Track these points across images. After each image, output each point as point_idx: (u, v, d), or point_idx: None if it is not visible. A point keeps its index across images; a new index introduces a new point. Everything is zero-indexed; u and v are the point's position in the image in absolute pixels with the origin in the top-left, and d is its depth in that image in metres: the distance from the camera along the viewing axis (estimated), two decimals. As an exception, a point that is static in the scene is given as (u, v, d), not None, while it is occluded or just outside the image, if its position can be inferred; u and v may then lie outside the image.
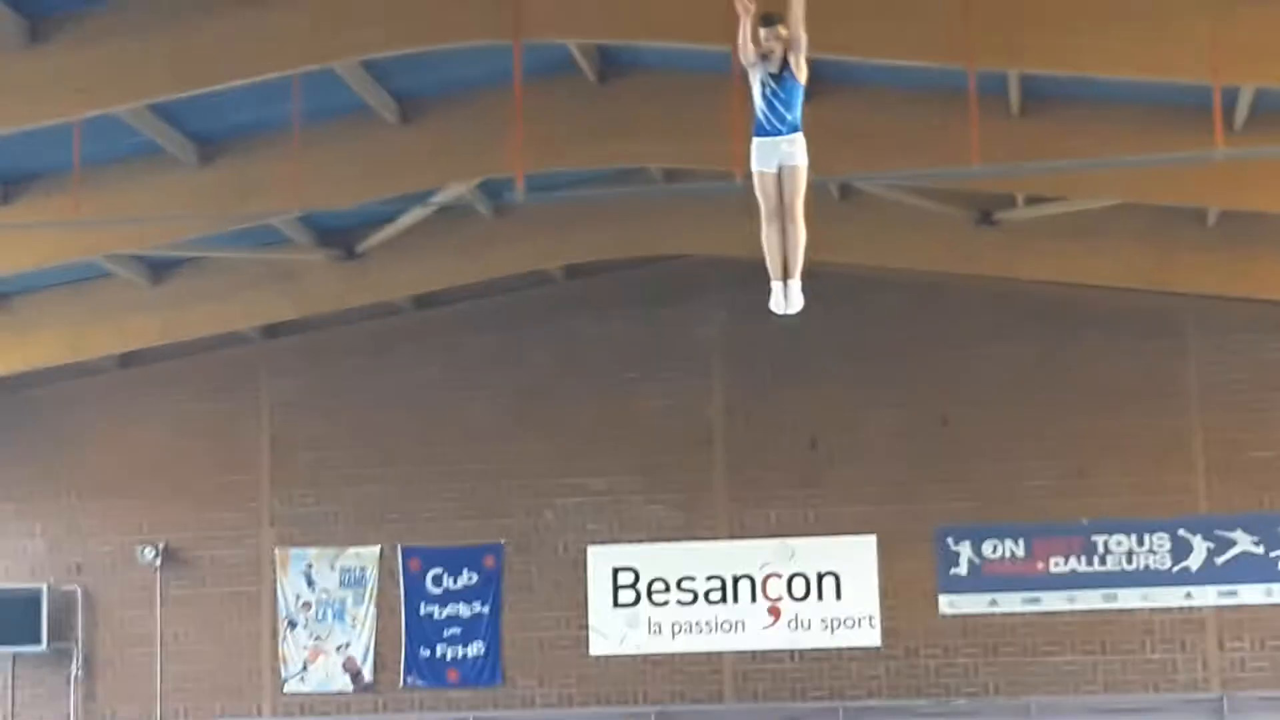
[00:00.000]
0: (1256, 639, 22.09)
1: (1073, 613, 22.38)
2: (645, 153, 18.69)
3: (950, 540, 22.63)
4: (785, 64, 11.05)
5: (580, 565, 23.28)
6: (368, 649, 23.55)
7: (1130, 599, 22.30)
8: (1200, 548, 22.17)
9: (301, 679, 23.57)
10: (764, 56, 11.06)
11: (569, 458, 23.41)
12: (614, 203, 20.74)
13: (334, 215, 20.05)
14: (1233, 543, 22.11)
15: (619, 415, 23.43)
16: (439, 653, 23.44)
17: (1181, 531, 22.21)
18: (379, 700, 23.43)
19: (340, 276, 21.77)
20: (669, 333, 23.48)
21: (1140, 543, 22.29)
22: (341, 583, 23.66)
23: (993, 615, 22.53)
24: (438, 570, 23.54)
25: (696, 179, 19.46)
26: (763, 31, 11.02)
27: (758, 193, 11.20)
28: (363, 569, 23.63)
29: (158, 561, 23.70)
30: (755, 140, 11.16)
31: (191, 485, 23.90)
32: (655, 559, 23.15)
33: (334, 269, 21.68)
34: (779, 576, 22.94)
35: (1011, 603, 22.48)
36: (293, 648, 23.63)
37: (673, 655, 23.04)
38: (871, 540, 22.79)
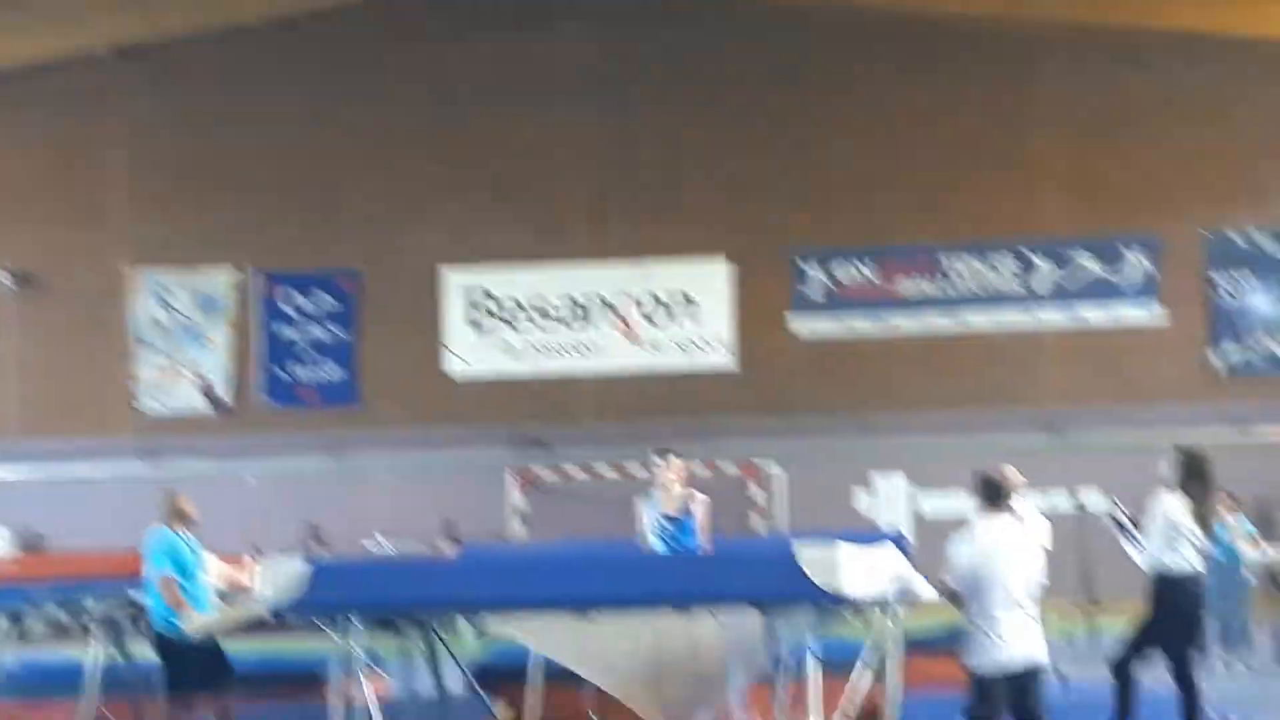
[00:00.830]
0: (1096, 358, 22.51)
1: (921, 334, 22.74)
2: None
3: (801, 261, 22.84)
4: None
5: (437, 289, 23.33)
6: (225, 372, 23.58)
7: (977, 321, 22.67)
8: (1046, 268, 22.55)
9: (158, 401, 23.59)
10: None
11: (428, 181, 23.34)
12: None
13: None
14: (1075, 263, 22.48)
15: (479, 140, 23.37)
16: (297, 376, 23.54)
17: (1025, 250, 22.55)
18: (238, 422, 23.53)
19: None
20: (532, 56, 23.27)
21: (986, 263, 22.61)
22: (198, 306, 23.61)
23: (844, 338, 22.84)
24: (294, 292, 23.54)
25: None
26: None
27: None
28: (220, 293, 23.57)
29: (14, 285, 23.55)
30: None
31: (46, 209, 23.70)
32: (512, 283, 23.24)
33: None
34: (634, 300, 23.08)
35: (862, 325, 22.78)
36: (150, 370, 23.61)
37: (530, 378, 23.24)
38: (724, 264, 22.96)
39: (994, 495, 8.89)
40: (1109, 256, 22.49)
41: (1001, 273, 22.63)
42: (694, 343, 23.02)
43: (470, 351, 23.32)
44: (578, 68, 23.18)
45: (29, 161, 23.76)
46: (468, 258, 23.28)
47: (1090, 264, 22.52)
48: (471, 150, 23.37)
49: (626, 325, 23.10)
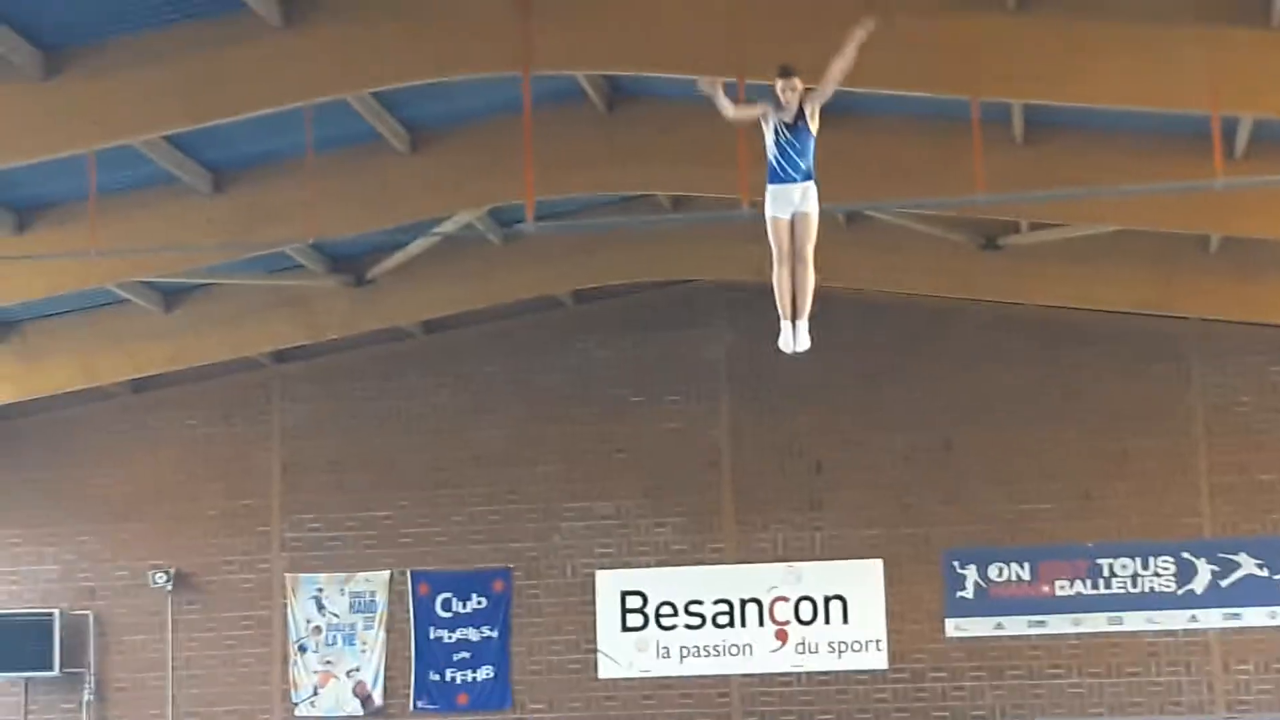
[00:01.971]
0: (1261, 662, 22.21)
1: (1078, 635, 22.50)
2: (652, 180, 18.87)
3: (956, 563, 22.76)
4: (800, 114, 11.28)
5: (588, 589, 23.42)
6: (378, 673, 23.68)
7: (1135, 621, 22.42)
8: (1205, 570, 22.29)
9: (312, 703, 23.71)
10: (779, 106, 11.31)
11: (577, 481, 23.58)
12: (621, 228, 20.91)
13: (345, 242, 20.19)
14: (1237, 565, 22.23)
15: (626, 439, 23.60)
16: (448, 676, 23.56)
17: (1186, 554, 22.33)
18: (390, 724, 23.59)
19: (351, 302, 21.96)
20: (676, 357, 23.65)
21: (1145, 566, 22.42)
22: (351, 607, 23.80)
23: (999, 638, 22.65)
24: (447, 594, 23.69)
25: (703, 206, 19.66)
26: (779, 83, 11.27)
27: (770, 237, 11.45)
28: (372, 593, 23.77)
29: (169, 586, 23.85)
30: (770, 187, 11.42)
31: (203, 510, 24.07)
32: (663, 582, 23.29)
33: (344, 294, 21.88)
34: (786, 600, 23.07)
35: (1017, 625, 22.59)
36: (303, 672, 23.77)
37: (681, 678, 23.18)
38: (878, 564, 22.93)
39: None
40: (1269, 556, 22.20)
41: (1160, 574, 22.39)
42: (847, 643, 22.85)
43: (620, 651, 23.27)
44: (718, 365, 23.45)
45: (188, 463, 24.18)
46: (620, 557, 23.37)
47: (1251, 566, 22.23)
48: (620, 450, 23.56)
49: (778, 625, 22.99)
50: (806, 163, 11.29)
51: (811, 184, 11.32)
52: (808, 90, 11.32)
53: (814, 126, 11.31)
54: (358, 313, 22.16)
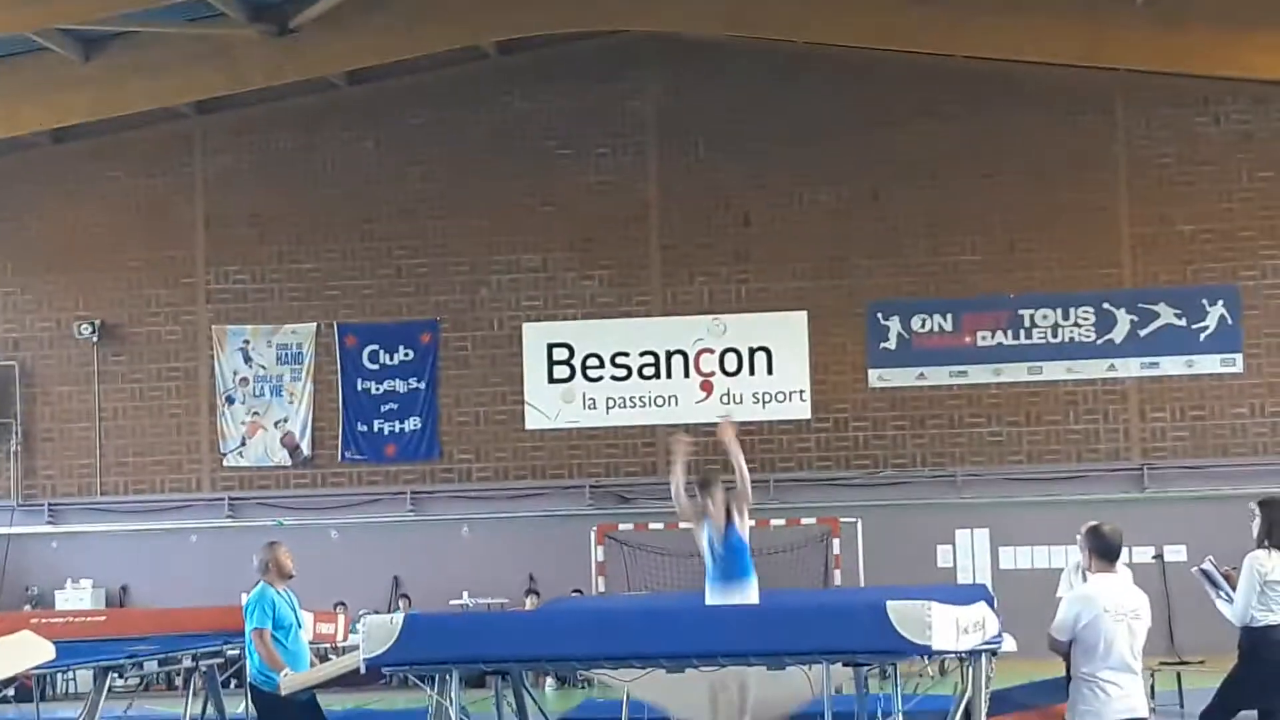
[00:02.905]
0: (1176, 409, 22.55)
1: (999, 385, 22.79)
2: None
3: (880, 315, 22.93)
4: (729, 517, 11.20)
5: (515, 341, 23.52)
6: (305, 424, 23.80)
7: (1055, 371, 22.70)
8: (1124, 320, 22.53)
9: (240, 454, 23.83)
10: (706, 514, 11.23)
11: (504, 234, 23.56)
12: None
13: (267, -10, 19.95)
14: (1156, 315, 22.47)
15: (554, 192, 23.56)
16: (376, 427, 23.71)
17: (1106, 304, 22.56)
18: (318, 474, 23.73)
19: (274, 51, 21.67)
20: (604, 109, 23.55)
21: (1065, 316, 22.64)
22: (278, 359, 23.85)
23: (920, 388, 22.91)
24: (374, 346, 23.75)
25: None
26: (699, 494, 11.19)
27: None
28: (299, 345, 23.81)
29: (95, 338, 23.82)
30: (709, 585, 11.31)
31: (126, 262, 23.99)
32: (589, 334, 23.40)
33: (268, 44, 21.58)
34: (711, 352, 23.23)
35: (939, 375, 22.85)
36: (231, 423, 23.85)
37: (607, 429, 23.40)
38: (802, 316, 23.07)
39: (1108, 551, 8.73)
40: (1188, 307, 22.46)
41: (1080, 324, 22.61)
42: (771, 394, 23.07)
43: (546, 403, 23.44)
44: (648, 118, 23.39)
45: (111, 216, 24.02)
46: (546, 310, 23.45)
47: (1170, 315, 22.47)
48: (548, 203, 23.54)
49: (704, 377, 23.18)
50: (742, 563, 11.23)
51: (749, 582, 11.24)
52: (728, 491, 11.24)
53: (744, 527, 11.24)
54: (281, 63, 21.90)
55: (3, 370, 23.87)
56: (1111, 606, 8.58)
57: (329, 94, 23.68)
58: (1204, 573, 11.10)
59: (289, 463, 23.78)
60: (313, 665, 10.98)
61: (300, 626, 10.94)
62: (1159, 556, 21.59)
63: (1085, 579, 9.06)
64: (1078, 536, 8.97)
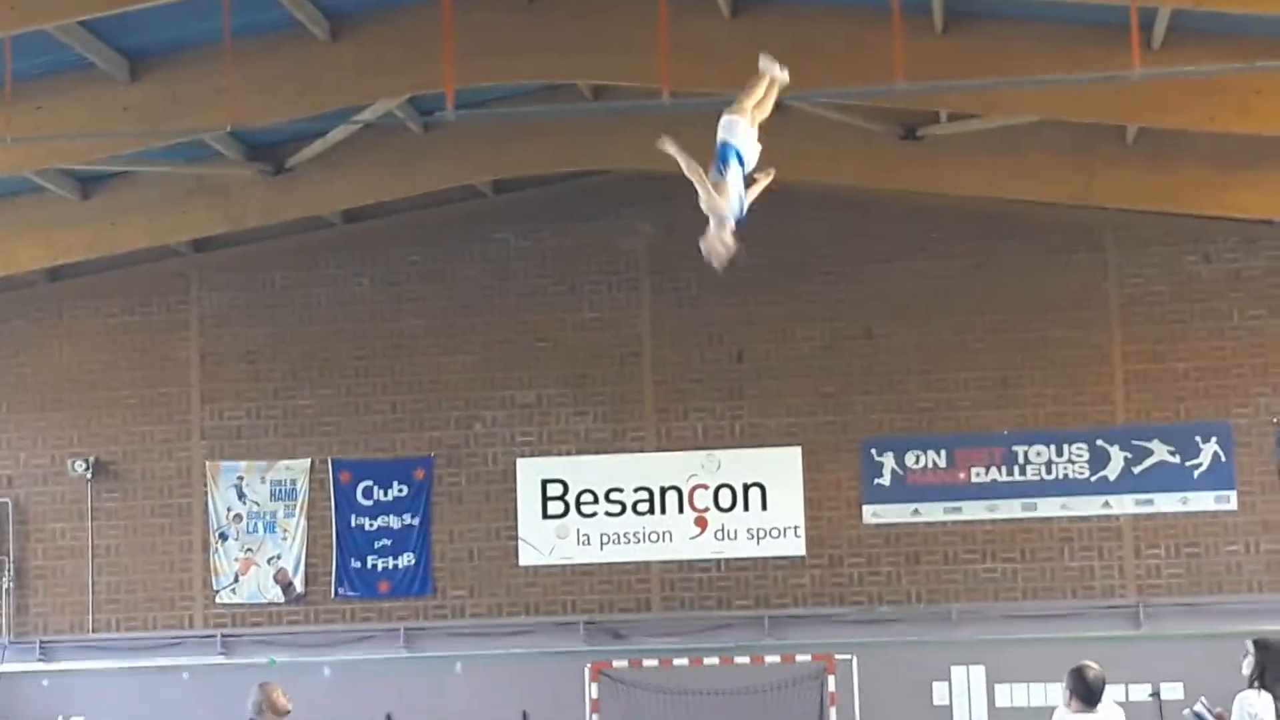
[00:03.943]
0: (1171, 546, 22.53)
1: (993, 521, 22.78)
2: (573, 69, 18.80)
3: (874, 451, 22.95)
4: None
5: (509, 477, 23.52)
6: (299, 560, 23.74)
7: (1049, 507, 22.70)
8: (1118, 457, 22.57)
9: (233, 590, 23.76)
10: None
11: (497, 370, 23.63)
12: (542, 118, 20.87)
13: (264, 131, 20.05)
14: (1150, 452, 22.51)
15: (547, 329, 23.64)
16: (370, 564, 23.66)
17: (1100, 441, 22.60)
18: (311, 611, 23.65)
19: (270, 191, 21.82)
20: (596, 247, 23.69)
21: (1059, 453, 22.68)
22: (272, 495, 23.83)
23: (915, 524, 22.89)
24: (368, 482, 23.74)
25: (624, 95, 19.61)
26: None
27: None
28: (293, 481, 23.80)
29: (89, 474, 23.81)
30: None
31: (122, 398, 24.01)
32: (583, 470, 23.41)
33: (264, 184, 21.74)
34: (705, 487, 23.24)
35: (934, 512, 22.84)
36: (224, 559, 23.80)
37: (601, 565, 23.35)
38: (796, 451, 23.11)
39: (1089, 696, 8.76)
40: (1182, 444, 22.49)
41: (1074, 461, 22.64)
42: (765, 530, 23.05)
43: (540, 539, 23.40)
44: (640, 255, 23.52)
45: (107, 353, 24.07)
46: (540, 446, 23.47)
47: (1163, 453, 22.51)
48: (541, 339, 23.61)
49: (698, 513, 23.17)
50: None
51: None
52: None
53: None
54: (277, 201, 22.03)
55: (-4, 507, 23.88)
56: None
57: (324, 232, 23.82)
58: (1196, 715, 11.08)
59: (282, 599, 23.71)
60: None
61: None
62: (1155, 695, 21.51)
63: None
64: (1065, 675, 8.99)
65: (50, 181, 21.07)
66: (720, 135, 11.16)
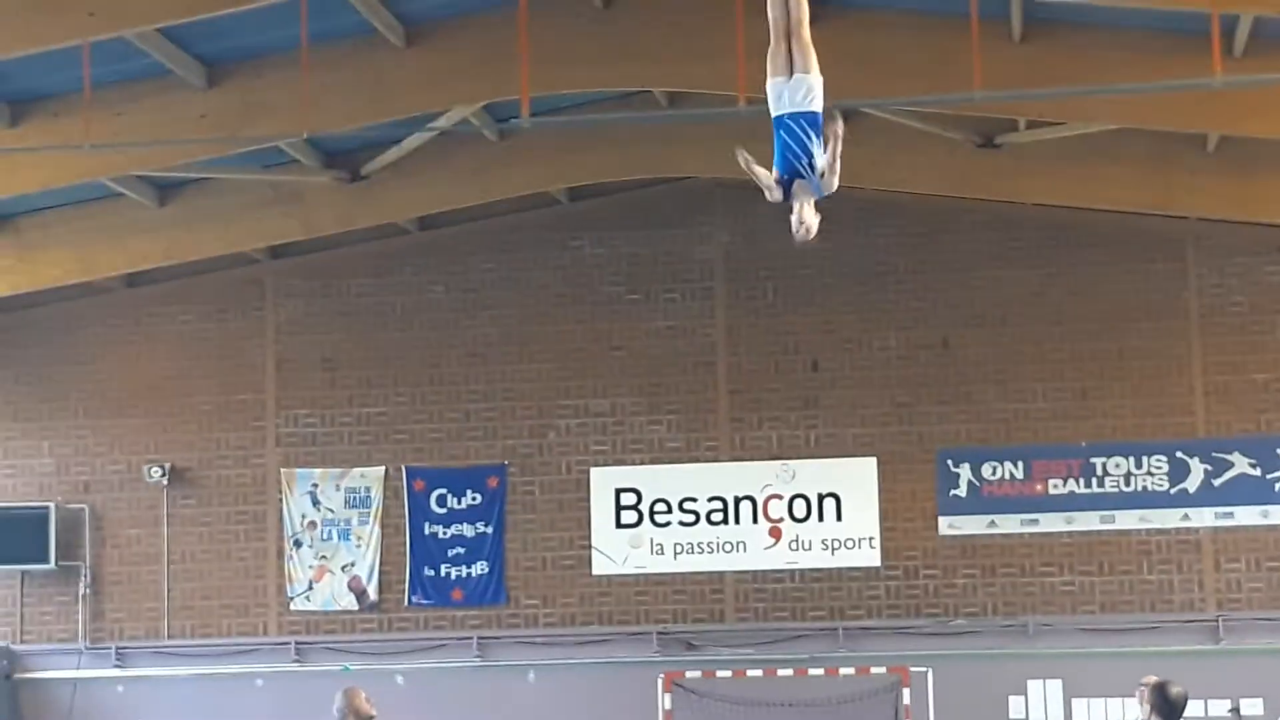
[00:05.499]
0: (1252, 560, 22.32)
1: (1070, 534, 22.60)
2: (649, 76, 18.77)
3: (950, 462, 22.82)
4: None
5: (583, 486, 23.48)
6: (373, 568, 23.77)
7: (1128, 520, 22.51)
8: (1198, 469, 22.36)
9: (307, 598, 23.81)
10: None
11: (572, 379, 23.59)
12: (618, 125, 20.84)
13: (340, 138, 20.15)
14: (1230, 465, 22.29)
15: (622, 337, 23.60)
16: (443, 572, 23.66)
17: (1179, 453, 22.39)
18: (384, 619, 23.66)
19: (346, 198, 21.88)
20: (671, 254, 23.63)
21: (1138, 465, 22.49)
22: (347, 503, 23.86)
23: (991, 536, 22.74)
24: (442, 490, 23.74)
25: (700, 102, 19.55)
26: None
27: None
28: (368, 489, 23.83)
29: (164, 481, 23.89)
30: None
31: (197, 405, 24.08)
32: (657, 480, 23.35)
33: (340, 190, 21.79)
34: (780, 498, 23.14)
35: (1010, 524, 22.68)
36: (298, 567, 23.86)
37: (675, 575, 23.27)
38: (872, 462, 22.99)
39: (1171, 712, 8.64)
40: (1262, 457, 22.26)
41: (1153, 473, 22.45)
42: (840, 541, 22.94)
43: (614, 548, 23.35)
44: (715, 263, 23.45)
45: (183, 359, 24.15)
46: (614, 455, 23.42)
47: (1244, 465, 22.29)
48: (616, 348, 23.57)
49: (772, 523, 23.08)
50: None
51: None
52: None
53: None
54: (352, 209, 22.09)
55: (73, 513, 23.95)
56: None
57: (399, 239, 23.85)
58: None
59: (355, 607, 23.73)
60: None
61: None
62: (1235, 710, 21.28)
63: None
64: (1140, 689, 8.84)
65: (127, 188, 21.19)
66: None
